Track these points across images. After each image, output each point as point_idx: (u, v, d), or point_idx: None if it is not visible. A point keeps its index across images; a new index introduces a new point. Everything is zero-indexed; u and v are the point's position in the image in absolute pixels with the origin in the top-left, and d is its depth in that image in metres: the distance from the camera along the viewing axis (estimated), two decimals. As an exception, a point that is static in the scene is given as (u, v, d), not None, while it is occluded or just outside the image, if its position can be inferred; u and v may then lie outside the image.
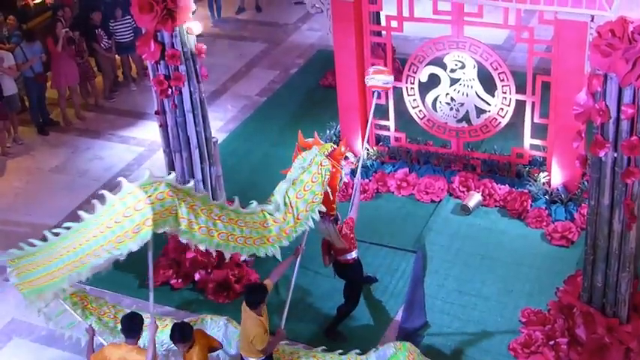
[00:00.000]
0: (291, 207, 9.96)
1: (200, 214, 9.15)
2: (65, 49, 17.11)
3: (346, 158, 11.03)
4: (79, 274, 8.97)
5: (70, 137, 17.47)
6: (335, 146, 10.64)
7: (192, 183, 9.34)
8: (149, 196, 8.62)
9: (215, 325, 11.08)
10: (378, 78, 12.65)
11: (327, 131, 15.43)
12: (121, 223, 8.64)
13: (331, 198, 10.59)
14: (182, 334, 9.67)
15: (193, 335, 9.77)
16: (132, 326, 9.57)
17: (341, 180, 10.81)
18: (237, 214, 9.65)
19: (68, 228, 9.38)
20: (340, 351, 10.95)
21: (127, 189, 8.73)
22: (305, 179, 10.04)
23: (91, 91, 18.57)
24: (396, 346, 10.43)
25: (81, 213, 9.21)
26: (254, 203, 9.91)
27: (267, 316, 10.18)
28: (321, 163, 10.09)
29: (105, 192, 8.90)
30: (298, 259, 10.79)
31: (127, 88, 19.17)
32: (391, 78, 12.79)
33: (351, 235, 11.49)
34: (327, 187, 10.25)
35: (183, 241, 9.21)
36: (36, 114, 17.61)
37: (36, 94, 17.38)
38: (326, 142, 11.69)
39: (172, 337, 9.76)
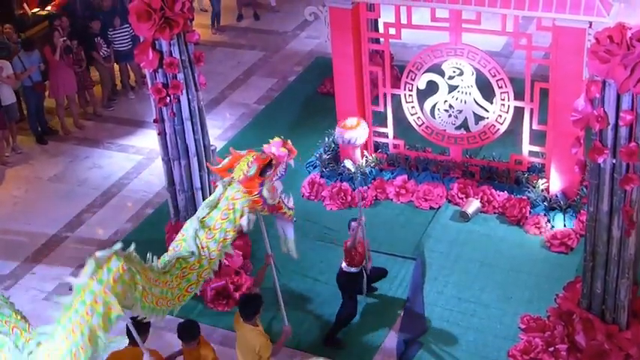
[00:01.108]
0: (203, 249, 9.40)
1: (151, 283, 8.70)
2: (63, 59, 17.08)
3: (270, 165, 9.90)
4: None
5: (68, 146, 17.44)
6: (254, 155, 9.80)
7: (131, 247, 8.57)
8: (106, 285, 8.04)
9: None
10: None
11: (326, 139, 15.42)
12: (87, 323, 8.05)
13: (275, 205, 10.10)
14: (191, 331, 9.71)
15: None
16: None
17: (285, 169, 10.00)
18: (162, 276, 9.05)
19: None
20: None
21: (81, 286, 8.07)
22: (215, 217, 9.46)
23: (90, 100, 18.51)
24: None
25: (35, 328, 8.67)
26: (166, 256, 9.31)
27: (262, 326, 10.16)
28: (232, 197, 9.51)
29: (59, 299, 8.22)
30: (273, 266, 10.67)
31: (125, 97, 19.13)
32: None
33: (359, 251, 11.62)
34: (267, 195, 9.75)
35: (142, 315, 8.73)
36: (34, 123, 17.58)
37: (34, 103, 17.34)
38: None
39: (181, 336, 9.78)
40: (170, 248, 9.50)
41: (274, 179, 9.87)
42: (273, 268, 10.71)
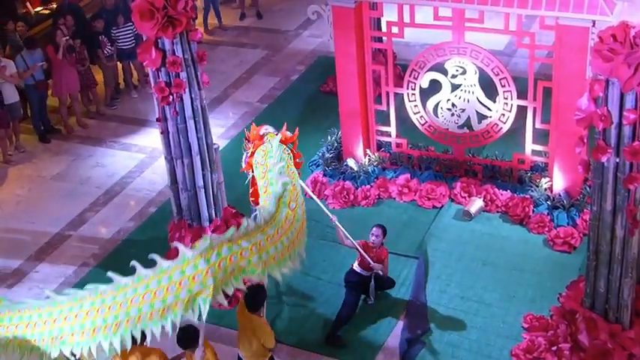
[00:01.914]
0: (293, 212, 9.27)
1: (253, 253, 8.44)
2: (66, 57, 17.08)
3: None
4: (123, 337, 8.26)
5: (71, 145, 17.44)
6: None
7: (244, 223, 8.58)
8: (211, 267, 8.09)
9: None
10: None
11: (329, 137, 15.39)
12: (175, 293, 8.07)
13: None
14: (189, 337, 9.65)
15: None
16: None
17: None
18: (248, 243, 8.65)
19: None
20: None
21: (187, 257, 8.15)
22: (294, 197, 9.38)
23: (93, 99, 18.52)
24: None
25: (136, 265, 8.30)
26: (263, 209, 9.15)
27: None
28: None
29: (157, 257, 8.19)
30: None
31: (128, 96, 19.14)
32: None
33: (371, 256, 11.86)
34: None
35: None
36: (37, 122, 17.59)
37: (37, 101, 17.35)
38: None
39: (180, 343, 9.75)
40: (261, 203, 9.64)
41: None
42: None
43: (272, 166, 9.94)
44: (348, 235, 11.89)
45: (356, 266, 12.05)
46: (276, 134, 10.88)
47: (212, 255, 8.14)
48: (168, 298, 8.05)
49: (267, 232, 8.68)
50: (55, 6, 19.67)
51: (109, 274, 8.28)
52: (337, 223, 11.89)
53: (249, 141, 11.20)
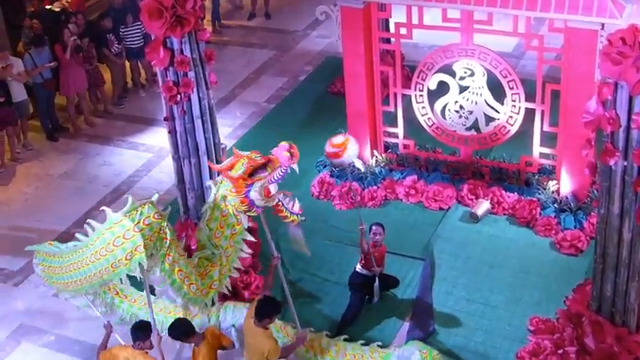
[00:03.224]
0: (217, 248, 10.15)
1: (175, 244, 9.55)
2: (73, 57, 17.11)
3: (264, 167, 10.04)
4: (86, 289, 9.67)
5: (79, 143, 17.48)
6: (250, 157, 10.02)
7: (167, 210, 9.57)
8: (137, 223, 8.94)
9: (238, 313, 10.98)
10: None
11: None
12: (112, 252, 8.98)
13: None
14: (179, 330, 9.82)
15: (201, 333, 9.93)
16: (138, 333, 9.73)
17: (284, 173, 9.95)
18: (187, 260, 9.94)
19: (77, 241, 9.77)
20: (362, 342, 11.05)
21: (113, 219, 9.04)
22: (217, 216, 10.14)
23: (100, 98, 18.56)
24: (421, 352, 10.32)
25: (78, 234, 9.76)
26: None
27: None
28: (223, 195, 10.10)
29: (106, 210, 9.29)
30: (280, 268, 10.86)
31: (136, 95, 19.19)
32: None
33: (375, 255, 11.94)
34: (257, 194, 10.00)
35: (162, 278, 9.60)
36: (45, 120, 17.62)
37: (45, 100, 17.39)
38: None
39: (171, 333, 9.88)
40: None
41: (268, 182, 9.96)
42: (280, 271, 10.79)
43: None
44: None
45: (359, 268, 12.08)
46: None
47: (136, 215, 8.97)
48: (109, 257, 9.02)
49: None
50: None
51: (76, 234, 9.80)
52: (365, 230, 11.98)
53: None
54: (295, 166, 9.95)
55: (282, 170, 9.84)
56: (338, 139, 12.31)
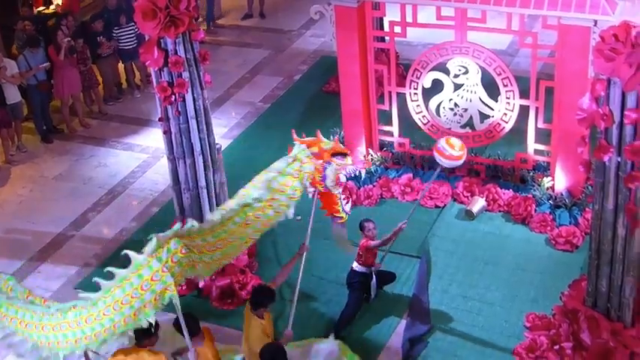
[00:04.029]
0: (274, 199, 9.68)
1: (205, 252, 9.04)
2: (67, 58, 17.16)
3: (344, 156, 10.78)
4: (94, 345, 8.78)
5: (73, 145, 17.52)
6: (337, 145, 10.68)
7: (189, 224, 9.07)
8: (165, 263, 8.44)
9: None
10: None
11: (331, 137, 15.41)
12: (140, 297, 8.43)
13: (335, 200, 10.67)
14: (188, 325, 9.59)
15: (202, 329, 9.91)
16: (140, 333, 9.47)
17: (351, 172, 10.76)
18: (226, 229, 9.33)
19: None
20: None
21: (140, 262, 8.48)
22: (285, 178, 9.89)
23: (95, 99, 18.62)
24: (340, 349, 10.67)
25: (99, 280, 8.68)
26: (228, 205, 9.66)
27: (272, 323, 10.23)
28: (301, 160, 10.12)
29: (129, 254, 8.54)
30: (303, 258, 10.94)
31: (130, 95, 19.25)
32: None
33: (373, 252, 12.01)
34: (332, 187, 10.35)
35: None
36: (40, 122, 17.66)
37: (39, 101, 17.43)
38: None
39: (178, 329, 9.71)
40: (236, 196, 9.84)
41: (340, 169, 10.60)
42: (302, 262, 10.95)
43: (274, 171, 10.03)
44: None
45: (356, 266, 12.07)
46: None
47: (163, 252, 8.47)
48: (135, 303, 8.42)
49: (220, 233, 9.30)
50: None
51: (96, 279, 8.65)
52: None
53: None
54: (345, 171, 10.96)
55: (350, 167, 10.45)
56: (456, 141, 12.20)
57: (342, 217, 11.19)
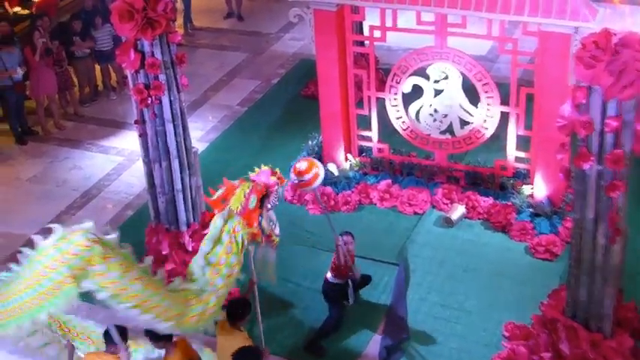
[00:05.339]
0: (211, 285, 9.44)
1: (112, 268, 8.57)
2: (43, 59, 17.04)
3: (267, 195, 10.07)
4: (23, 321, 8.78)
5: (48, 147, 17.41)
6: (250, 186, 9.89)
7: (114, 236, 8.85)
8: (64, 254, 8.32)
9: None
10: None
11: (309, 142, 15.38)
12: (40, 282, 8.42)
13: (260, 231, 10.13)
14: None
15: (173, 342, 9.81)
16: (109, 338, 9.55)
17: (277, 198, 10.13)
18: (158, 284, 9.07)
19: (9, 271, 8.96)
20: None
21: (42, 248, 8.48)
22: (219, 252, 9.50)
23: (70, 100, 18.51)
24: None
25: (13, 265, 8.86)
26: (176, 281, 9.48)
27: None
28: (233, 230, 9.51)
29: (34, 238, 8.62)
30: (256, 290, 10.61)
31: (106, 98, 19.16)
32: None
33: (348, 265, 11.75)
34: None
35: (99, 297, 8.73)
36: (15, 123, 17.54)
37: (15, 103, 17.31)
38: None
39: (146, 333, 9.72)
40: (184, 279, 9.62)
41: (269, 209, 9.98)
42: (256, 296, 10.63)
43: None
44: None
45: (330, 277, 11.91)
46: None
47: (64, 244, 8.36)
48: (37, 287, 8.42)
49: (151, 279, 9.00)
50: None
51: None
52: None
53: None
54: (280, 189, 10.05)
55: (275, 195, 9.89)
56: (302, 164, 11.13)
57: (275, 242, 10.58)
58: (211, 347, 10.79)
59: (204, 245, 9.57)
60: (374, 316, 12.26)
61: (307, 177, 10.99)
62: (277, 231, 10.37)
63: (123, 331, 9.59)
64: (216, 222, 9.58)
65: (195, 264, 9.56)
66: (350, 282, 11.91)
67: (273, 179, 9.86)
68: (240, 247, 9.54)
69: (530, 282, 12.59)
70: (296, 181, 11.06)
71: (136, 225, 14.06)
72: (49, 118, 18.03)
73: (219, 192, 9.99)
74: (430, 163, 14.61)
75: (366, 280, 12.41)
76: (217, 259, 9.47)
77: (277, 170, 10.07)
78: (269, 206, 9.97)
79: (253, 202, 9.70)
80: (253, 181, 9.90)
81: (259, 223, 9.84)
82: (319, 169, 11.08)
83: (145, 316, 8.86)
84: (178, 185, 12.14)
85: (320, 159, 14.82)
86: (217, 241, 9.53)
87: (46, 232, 8.71)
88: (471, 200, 13.99)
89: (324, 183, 14.30)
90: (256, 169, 10.09)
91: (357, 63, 15.14)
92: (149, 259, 9.23)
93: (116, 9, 11.16)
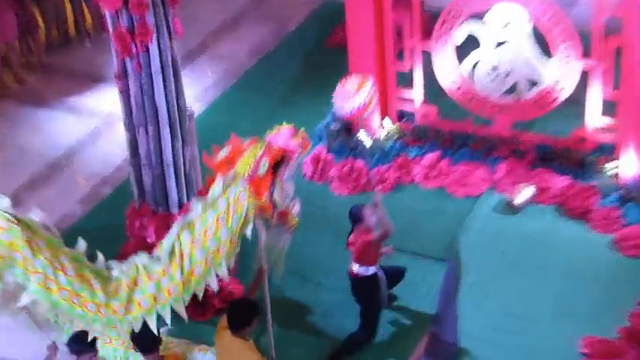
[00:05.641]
0: (181, 256, 9.17)
1: (38, 254, 8.67)
2: (0, -2, 17.08)
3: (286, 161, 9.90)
4: None
5: (6, 106, 17.46)
6: (263, 147, 9.61)
7: (37, 216, 9.08)
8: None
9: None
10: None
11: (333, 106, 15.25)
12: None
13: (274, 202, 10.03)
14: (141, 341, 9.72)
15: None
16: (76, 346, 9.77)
17: (298, 167, 10.06)
18: (96, 273, 9.00)
19: None
20: None
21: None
22: (209, 219, 9.23)
23: (34, 48, 18.50)
24: None
25: None
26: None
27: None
28: (236, 200, 9.27)
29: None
30: (266, 282, 10.46)
31: (80, 45, 19.19)
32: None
33: (376, 244, 11.56)
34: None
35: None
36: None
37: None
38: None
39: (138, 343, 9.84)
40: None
41: (285, 179, 9.65)
42: (265, 287, 10.48)
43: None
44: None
45: (358, 268, 11.68)
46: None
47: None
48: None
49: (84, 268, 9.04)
50: None
51: None
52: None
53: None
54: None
55: (296, 162, 9.63)
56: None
57: (291, 223, 10.50)
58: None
59: (193, 206, 9.30)
60: (416, 325, 12.25)
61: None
62: (297, 209, 10.08)
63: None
64: (215, 188, 9.32)
65: (175, 225, 9.29)
66: (380, 273, 11.74)
67: (294, 142, 9.57)
68: (238, 222, 9.24)
69: (616, 285, 12.55)
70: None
71: (114, 206, 14.16)
72: (6, 68, 18.03)
73: (224, 152, 9.70)
74: (489, 133, 14.57)
75: (399, 274, 12.30)
76: (204, 228, 9.15)
77: (302, 131, 9.77)
78: (285, 175, 9.68)
79: (264, 166, 9.40)
80: (268, 142, 9.62)
81: (271, 195, 9.52)
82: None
83: (70, 318, 8.98)
84: (169, 157, 12.13)
85: (349, 125, 14.79)
86: (210, 205, 9.24)
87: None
88: (541, 180, 13.89)
89: (355, 155, 14.17)
90: (275, 127, 9.81)
91: (397, 5, 14.92)
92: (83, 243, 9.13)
93: None
